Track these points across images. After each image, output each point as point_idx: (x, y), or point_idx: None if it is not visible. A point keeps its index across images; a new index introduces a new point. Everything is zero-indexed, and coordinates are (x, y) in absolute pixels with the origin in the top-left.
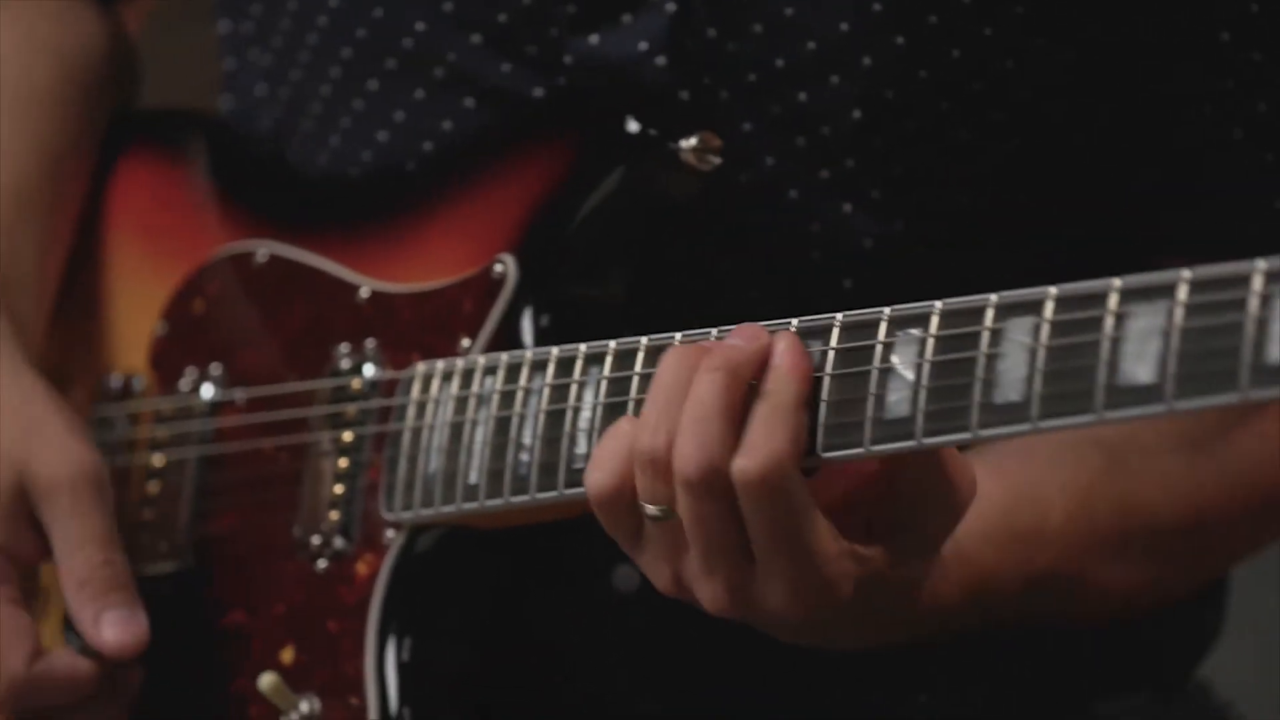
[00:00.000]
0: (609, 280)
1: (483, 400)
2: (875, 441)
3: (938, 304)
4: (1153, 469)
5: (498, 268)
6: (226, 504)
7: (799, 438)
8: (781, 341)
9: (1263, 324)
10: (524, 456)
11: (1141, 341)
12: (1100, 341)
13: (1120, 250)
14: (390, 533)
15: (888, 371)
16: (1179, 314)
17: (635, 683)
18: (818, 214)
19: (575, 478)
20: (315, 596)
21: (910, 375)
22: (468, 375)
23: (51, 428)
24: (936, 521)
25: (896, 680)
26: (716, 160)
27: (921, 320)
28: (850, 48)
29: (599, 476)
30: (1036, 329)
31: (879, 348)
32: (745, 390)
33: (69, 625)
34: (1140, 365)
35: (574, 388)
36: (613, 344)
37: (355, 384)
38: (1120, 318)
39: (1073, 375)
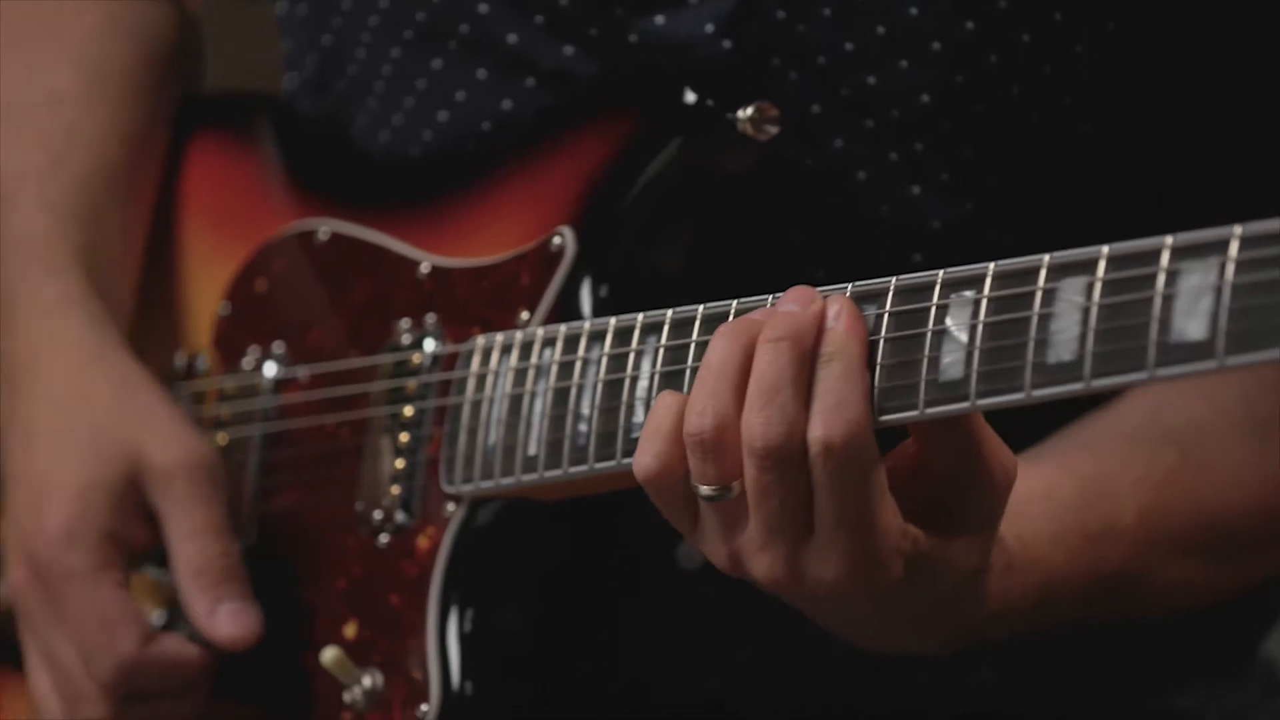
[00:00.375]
0: (668, 251)
1: (541, 372)
2: (929, 405)
3: (991, 265)
4: (1224, 461)
5: (556, 240)
6: (289, 481)
7: (870, 400)
8: (836, 304)
9: None
10: (582, 427)
11: (1193, 298)
12: (1152, 299)
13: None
14: (451, 506)
15: (942, 334)
16: (1230, 270)
17: (699, 659)
18: (886, 196)
19: (633, 447)
20: (377, 571)
21: (964, 337)
22: (526, 347)
23: (163, 415)
24: (974, 505)
25: (959, 656)
26: (774, 130)
27: (975, 282)
28: (919, 32)
29: (641, 458)
30: (1089, 288)
31: (933, 310)
32: (810, 357)
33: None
34: (1192, 322)
35: (631, 357)
36: (669, 313)
37: (416, 359)
38: (1172, 275)
39: (1125, 333)
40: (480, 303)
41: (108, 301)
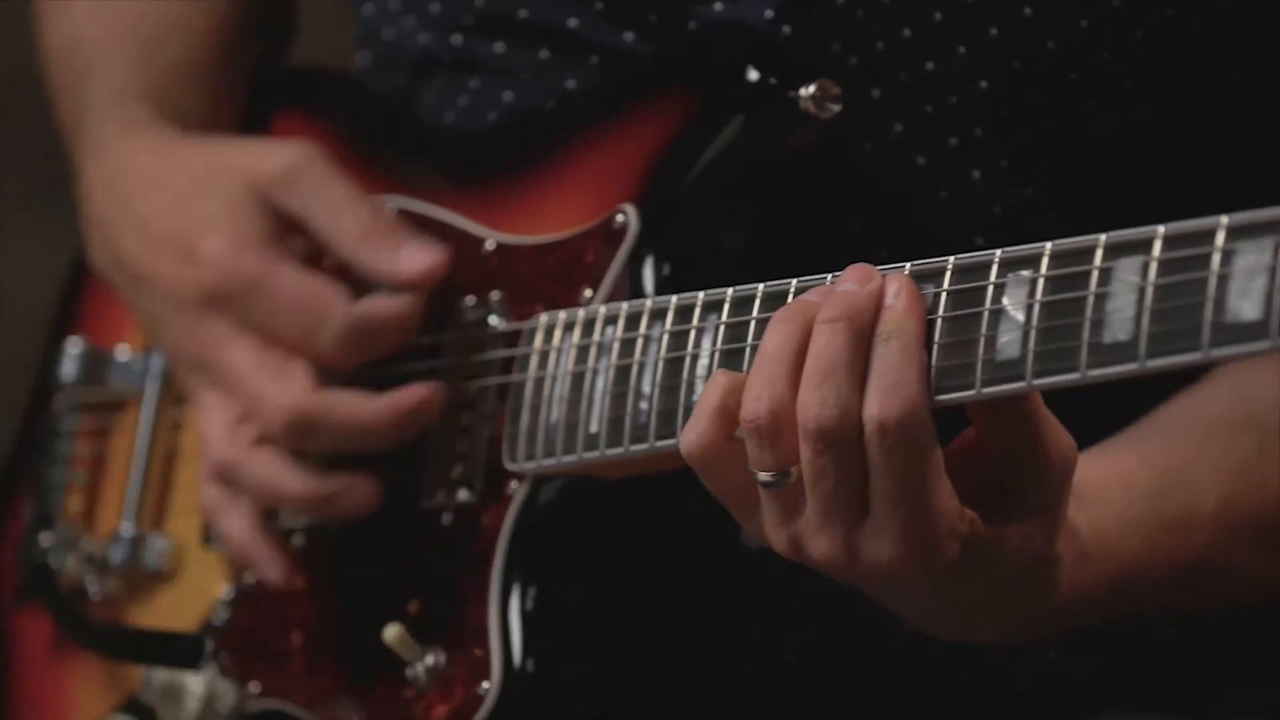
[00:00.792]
0: (729, 230)
1: (603, 349)
2: (986, 384)
3: (1048, 245)
4: None
5: (619, 218)
6: (356, 459)
7: (927, 379)
8: (895, 282)
9: None
10: (643, 404)
11: (1248, 278)
12: (1207, 279)
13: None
14: (514, 484)
15: (999, 313)
16: None
17: (762, 637)
18: (946, 181)
19: None
20: (440, 549)
21: (1020, 316)
22: (589, 324)
23: (257, 143)
24: (1032, 489)
25: None
26: (836, 108)
27: (1032, 261)
28: (977, 19)
29: (686, 435)
30: (1145, 267)
31: (990, 289)
32: (866, 337)
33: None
34: (1246, 302)
35: (692, 334)
36: (730, 291)
37: (480, 336)
38: (1227, 254)
39: (1180, 313)
40: (544, 280)
41: None
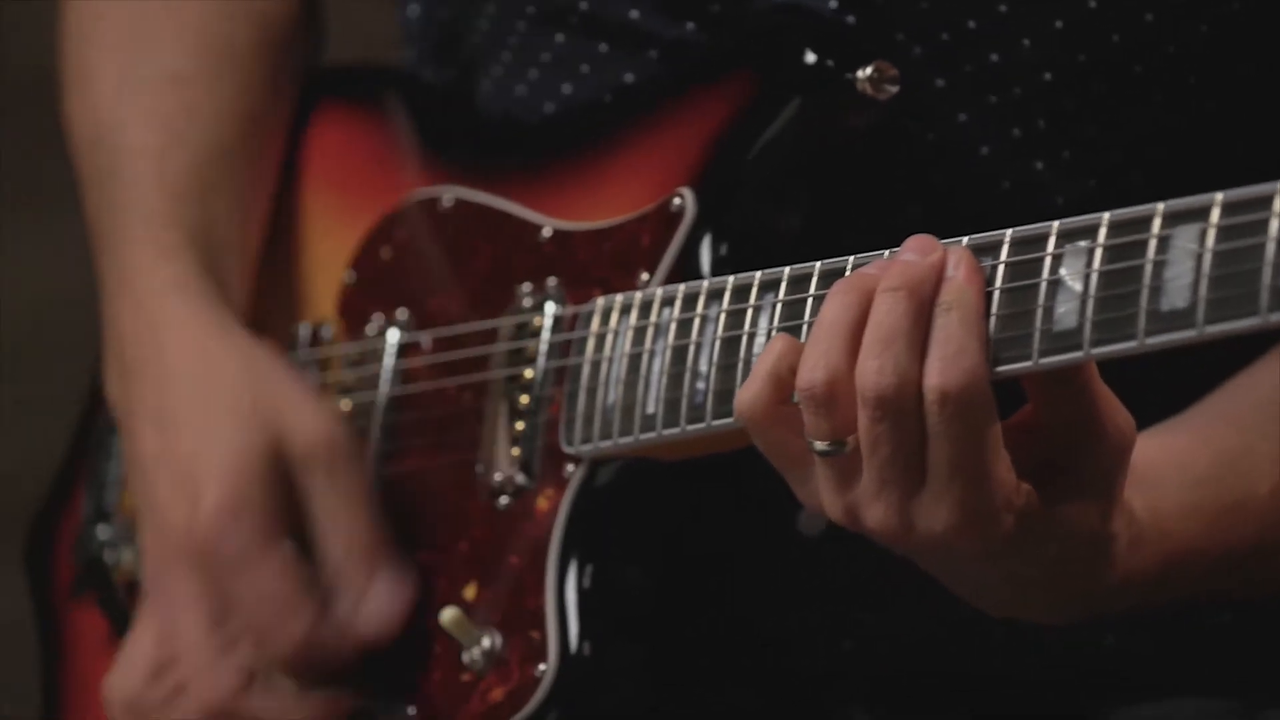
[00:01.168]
0: (787, 211)
1: (660, 330)
2: (1044, 354)
3: (1105, 215)
4: None
5: (676, 201)
6: (411, 444)
7: (987, 350)
8: (955, 254)
9: None
10: (700, 385)
11: None
12: (1265, 244)
13: None
14: (570, 467)
15: (1056, 283)
16: None
17: (818, 622)
18: (1009, 171)
19: None
20: (497, 533)
21: (1078, 286)
22: (646, 306)
23: (296, 395)
24: (1089, 464)
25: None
26: (893, 89)
27: (1090, 231)
28: (1041, 11)
29: (739, 394)
30: (1203, 234)
31: (1048, 260)
32: (927, 307)
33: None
34: None
35: (749, 313)
36: (787, 269)
37: (536, 321)
38: None
39: (1238, 279)
40: (601, 265)
41: (223, 280)
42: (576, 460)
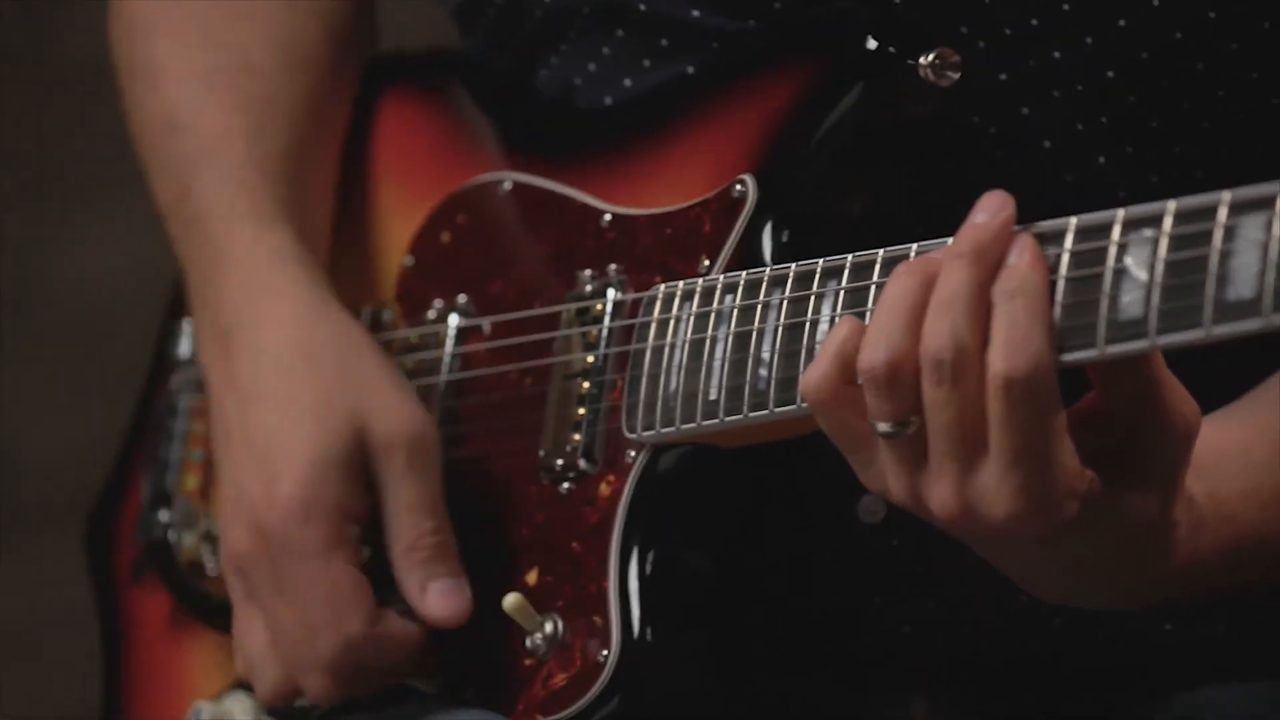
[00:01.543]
0: (849, 196)
1: (722, 317)
2: (1110, 342)
3: (1171, 203)
4: None
5: (737, 188)
6: (472, 430)
7: (1052, 338)
8: (1019, 241)
9: None
10: (762, 372)
11: None
12: None
13: None
14: (632, 453)
15: (1122, 272)
16: None
17: (879, 608)
18: (1072, 164)
19: None
20: (559, 518)
21: (1144, 275)
22: (708, 293)
23: (388, 384)
24: (1155, 453)
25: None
26: (954, 76)
27: (1155, 220)
28: (1105, 9)
29: (806, 377)
30: (1269, 224)
31: (1113, 248)
32: (990, 273)
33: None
34: None
35: (812, 300)
36: (850, 256)
37: (598, 307)
38: None
39: None
40: (662, 251)
41: (315, 258)
42: (639, 446)
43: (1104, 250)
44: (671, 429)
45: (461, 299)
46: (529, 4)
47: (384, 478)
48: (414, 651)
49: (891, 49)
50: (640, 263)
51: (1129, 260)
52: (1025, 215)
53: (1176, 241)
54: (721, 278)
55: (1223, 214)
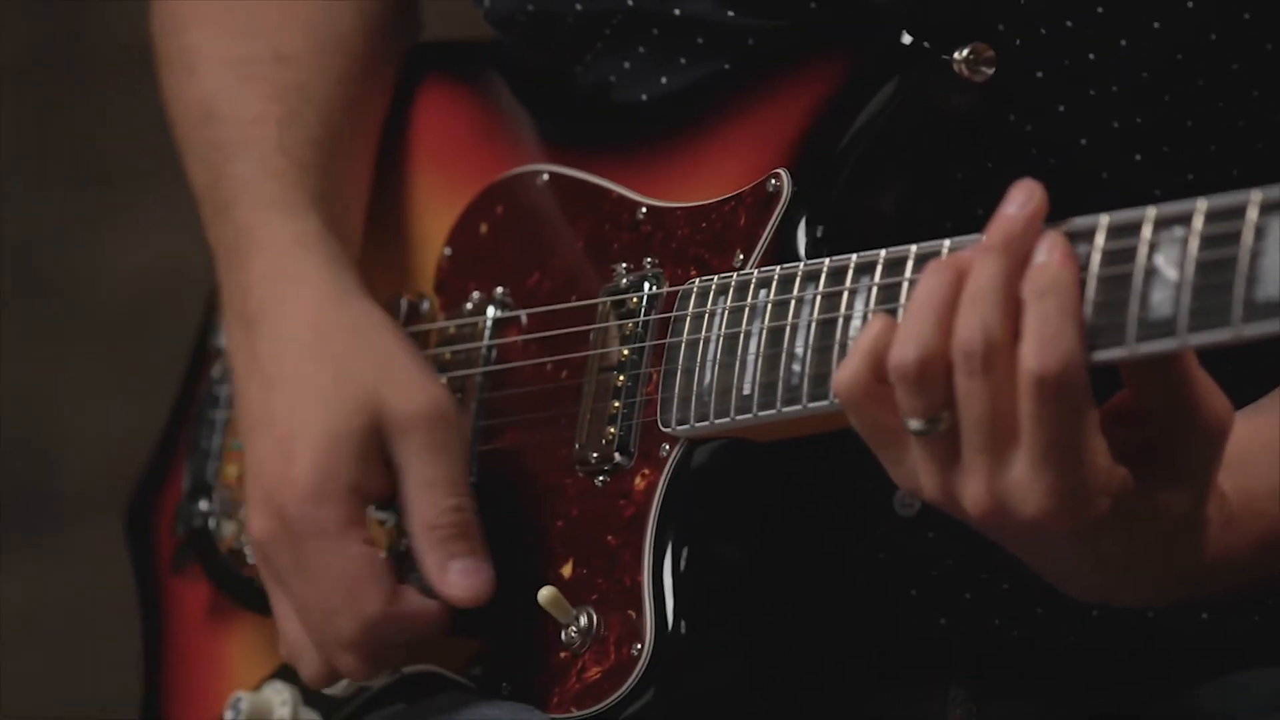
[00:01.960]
0: (884, 191)
1: (757, 312)
2: (1140, 340)
3: (1202, 202)
4: None
5: (772, 182)
6: (508, 422)
7: (1083, 336)
8: (1049, 239)
9: None
10: (796, 367)
11: None
12: None
13: None
14: (667, 446)
15: (1152, 271)
16: None
17: (911, 601)
18: (1108, 162)
19: None
20: (594, 511)
21: (1174, 274)
22: (743, 288)
23: (405, 363)
24: (1188, 451)
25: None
26: (989, 71)
27: (1186, 219)
28: (1139, 11)
29: (839, 374)
30: None
31: (1143, 247)
32: (1020, 266)
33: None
34: None
35: (845, 296)
36: (883, 252)
37: (633, 301)
38: None
39: None
40: (697, 245)
41: (343, 244)
42: (673, 440)
43: (1134, 249)
44: (705, 423)
45: (499, 291)
46: (561, 11)
47: (401, 456)
48: (437, 629)
49: (926, 44)
50: (675, 256)
51: (1159, 259)
52: (1061, 212)
53: (1207, 241)
54: (756, 272)
55: (1253, 214)
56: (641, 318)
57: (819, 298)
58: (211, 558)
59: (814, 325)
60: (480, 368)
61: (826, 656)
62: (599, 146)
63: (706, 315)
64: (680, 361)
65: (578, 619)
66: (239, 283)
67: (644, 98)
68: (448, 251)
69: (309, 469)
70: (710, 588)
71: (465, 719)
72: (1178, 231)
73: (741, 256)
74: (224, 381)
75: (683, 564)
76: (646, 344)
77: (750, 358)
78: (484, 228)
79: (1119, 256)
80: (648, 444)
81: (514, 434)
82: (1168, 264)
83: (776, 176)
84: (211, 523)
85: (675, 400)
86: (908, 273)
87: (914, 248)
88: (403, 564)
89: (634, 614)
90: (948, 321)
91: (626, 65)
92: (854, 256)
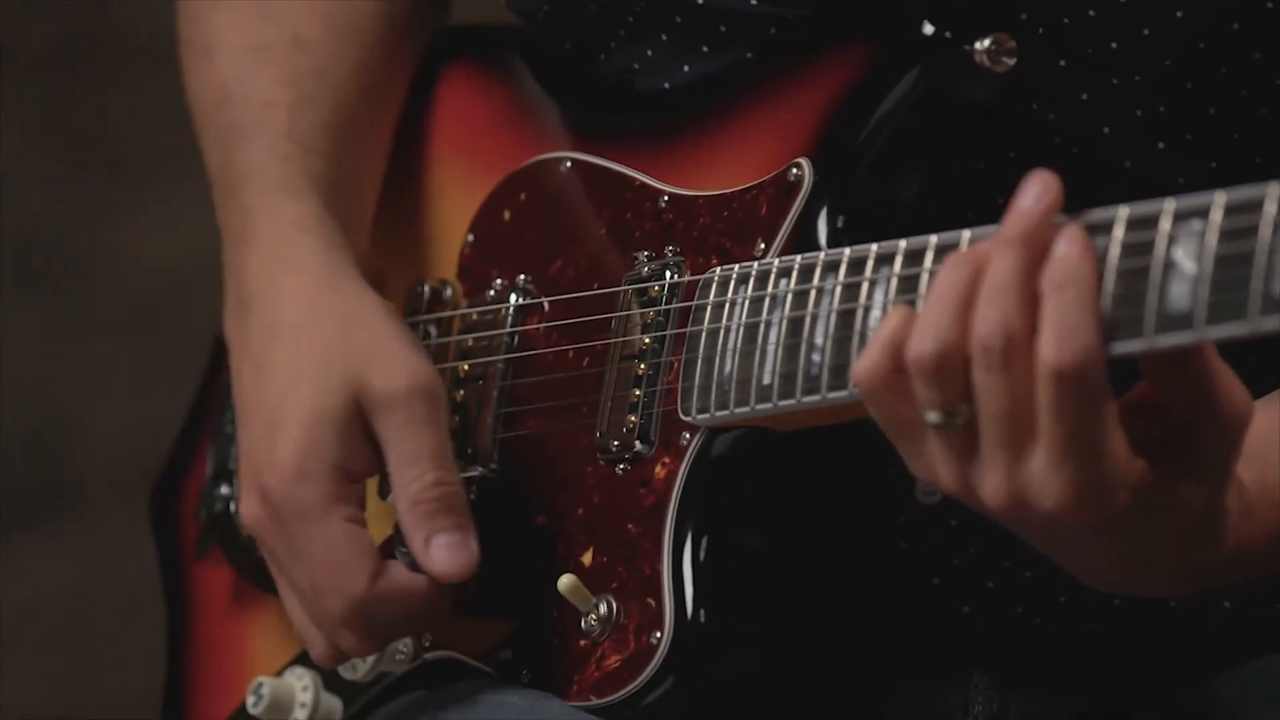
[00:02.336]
0: (905, 181)
1: (777, 301)
2: (1158, 333)
3: (1220, 196)
4: None
5: (794, 171)
6: (530, 409)
7: (1102, 328)
8: (1067, 231)
9: None
10: (815, 357)
11: None
12: None
13: None
14: (688, 435)
15: (1170, 265)
16: None
17: (933, 590)
18: (1130, 151)
19: None
20: (614, 499)
21: (1192, 268)
22: (763, 277)
23: (388, 341)
24: (1207, 443)
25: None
26: (1010, 61)
27: (1204, 211)
28: (1162, 1)
29: (858, 365)
30: None
31: (1161, 240)
32: (1038, 259)
33: (396, 536)
34: None
35: (865, 286)
36: (903, 242)
37: (655, 289)
38: None
39: None
40: (718, 233)
41: (345, 237)
42: (694, 429)
43: (1153, 242)
44: (726, 412)
45: (521, 278)
46: (583, 1)
47: (385, 432)
48: (429, 605)
49: (948, 34)
50: (697, 244)
51: (1178, 252)
52: (1084, 201)
53: (1225, 235)
54: (776, 262)
55: (1271, 208)
56: (663, 306)
57: (839, 288)
58: (232, 542)
59: (834, 315)
60: (502, 355)
61: (847, 645)
62: (622, 134)
63: (727, 304)
64: (701, 350)
65: (597, 607)
66: (238, 267)
67: (666, 86)
68: (470, 238)
69: (290, 450)
70: (730, 576)
71: (485, 705)
72: (1196, 225)
73: (763, 245)
74: None
75: (703, 553)
76: (668, 332)
77: (770, 347)
78: (507, 214)
79: (1137, 249)
80: (668, 432)
81: (535, 421)
82: (1186, 257)
83: (798, 166)
84: (233, 506)
85: (696, 389)
86: (928, 263)
87: (934, 238)
88: (400, 541)
89: (653, 602)
90: (966, 316)
91: (649, 53)
92: (874, 246)
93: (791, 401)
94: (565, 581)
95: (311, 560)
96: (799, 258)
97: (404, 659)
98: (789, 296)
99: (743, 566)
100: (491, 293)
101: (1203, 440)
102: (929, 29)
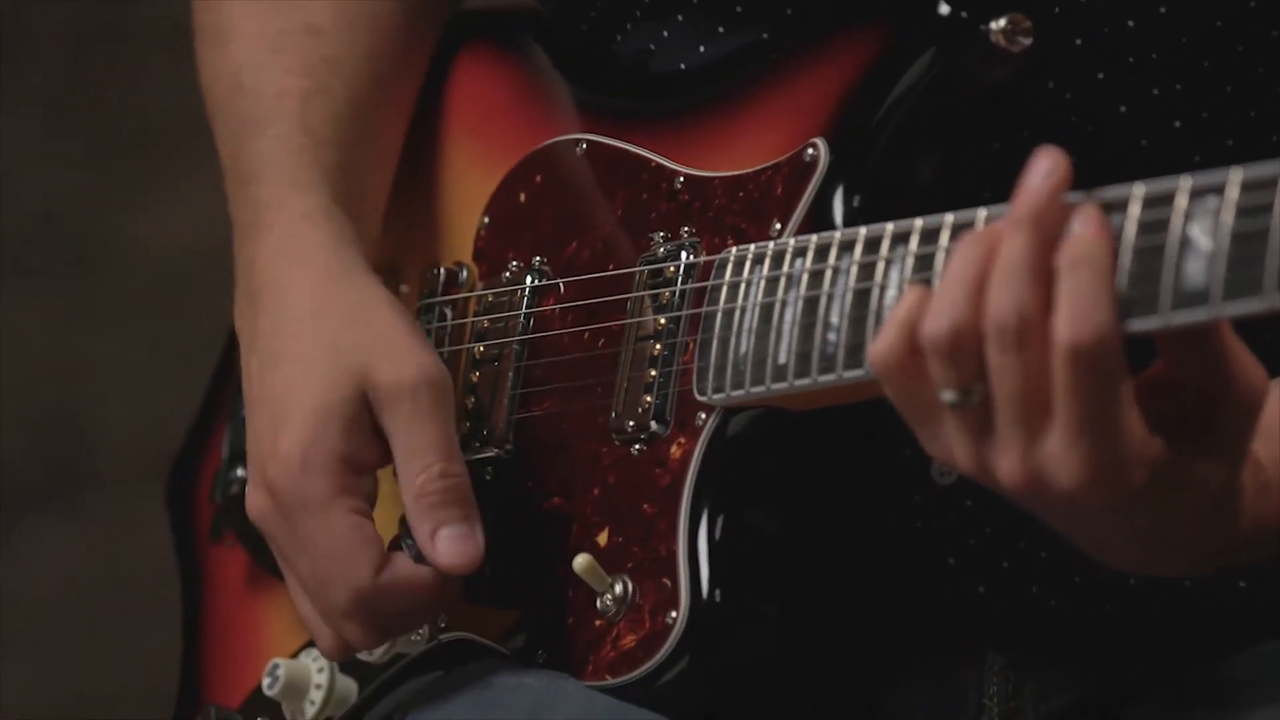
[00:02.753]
0: (920, 161)
1: (792, 281)
2: (1174, 310)
3: (1236, 173)
4: None
5: (809, 151)
6: (545, 390)
7: (1117, 307)
8: (1083, 210)
9: None
10: (831, 336)
11: None
12: None
13: None
14: (703, 415)
15: (1186, 242)
16: None
17: (949, 570)
18: (1147, 129)
19: None
20: (630, 479)
21: (1208, 244)
22: (779, 257)
23: (395, 335)
24: (1223, 421)
25: None
26: (1026, 41)
27: (1220, 188)
28: None
29: (874, 346)
30: None
31: (1178, 218)
32: (1050, 238)
33: (403, 527)
34: None
35: (880, 265)
36: (919, 221)
37: (670, 269)
38: None
39: None
40: (734, 214)
41: (355, 226)
42: (709, 409)
43: (1169, 219)
44: (741, 392)
45: (537, 259)
46: None
47: (391, 426)
48: (435, 597)
49: (964, 14)
50: (712, 225)
51: (1194, 230)
52: (1100, 179)
53: (1241, 212)
54: (792, 241)
55: None
56: (679, 287)
57: (855, 267)
58: (246, 525)
59: (849, 295)
60: (518, 336)
61: (862, 625)
62: (637, 116)
63: (743, 284)
64: (716, 330)
65: (613, 587)
66: (248, 259)
67: (682, 67)
68: (486, 220)
69: (294, 442)
70: (745, 556)
71: (500, 686)
72: (1211, 202)
73: (779, 226)
74: None
75: (718, 532)
76: (683, 313)
77: (786, 327)
78: (522, 196)
79: (1153, 227)
80: (684, 413)
81: (551, 402)
82: (1202, 234)
83: (814, 146)
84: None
85: (711, 369)
86: (943, 242)
87: (950, 216)
88: (406, 533)
89: (669, 582)
90: (980, 295)
91: (665, 34)
92: (890, 225)
93: (807, 381)
94: (580, 561)
95: (316, 552)
96: (814, 237)
97: (419, 640)
98: (804, 276)
99: (758, 546)
100: (507, 274)
101: (1219, 418)
102: (945, 9)
